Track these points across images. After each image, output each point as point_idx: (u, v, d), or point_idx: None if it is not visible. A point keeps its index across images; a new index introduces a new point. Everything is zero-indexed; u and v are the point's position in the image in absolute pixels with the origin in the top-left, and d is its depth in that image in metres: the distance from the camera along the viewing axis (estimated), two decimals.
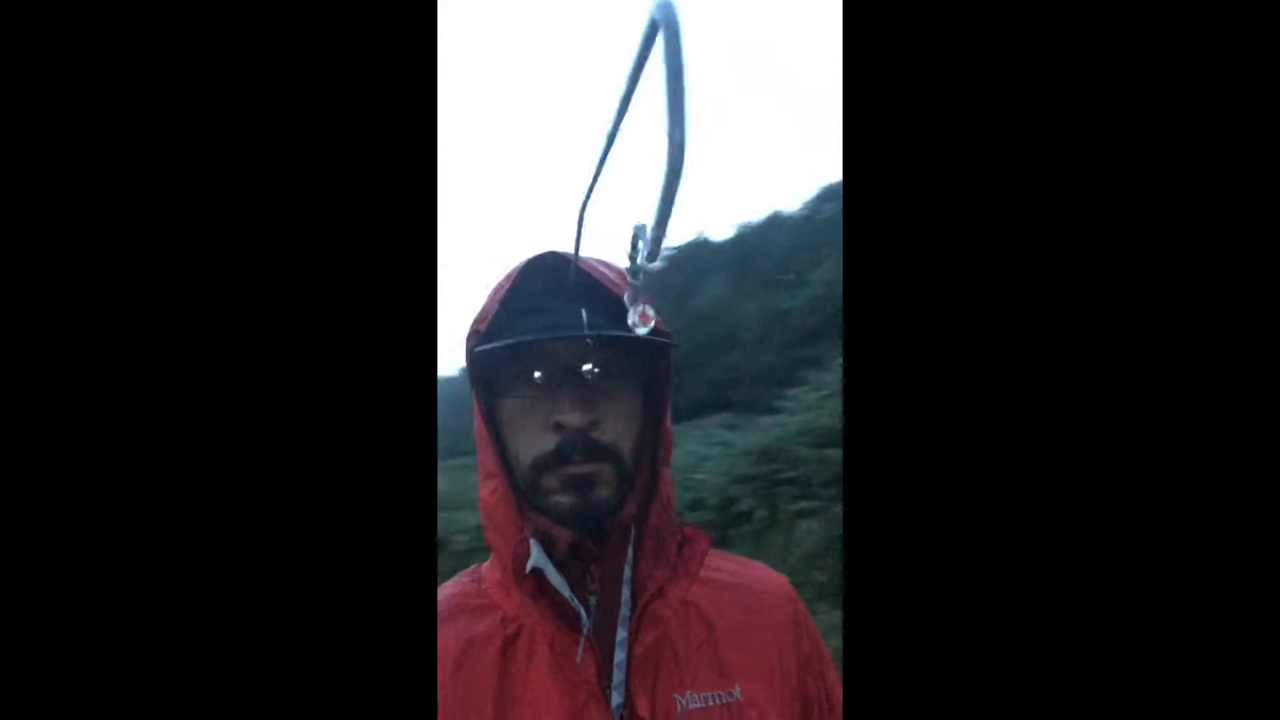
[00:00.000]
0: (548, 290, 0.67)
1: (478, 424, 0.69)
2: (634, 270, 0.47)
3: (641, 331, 0.45)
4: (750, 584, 0.74)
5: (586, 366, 0.65)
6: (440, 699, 0.63)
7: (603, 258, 0.70)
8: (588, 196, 0.53)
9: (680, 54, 0.28)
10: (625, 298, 0.48)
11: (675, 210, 0.34)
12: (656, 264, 0.41)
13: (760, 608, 0.71)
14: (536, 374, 0.66)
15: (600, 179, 0.49)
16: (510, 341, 0.63)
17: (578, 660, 0.63)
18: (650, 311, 0.45)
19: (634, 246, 0.46)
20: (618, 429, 0.66)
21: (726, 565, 0.75)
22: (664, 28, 0.29)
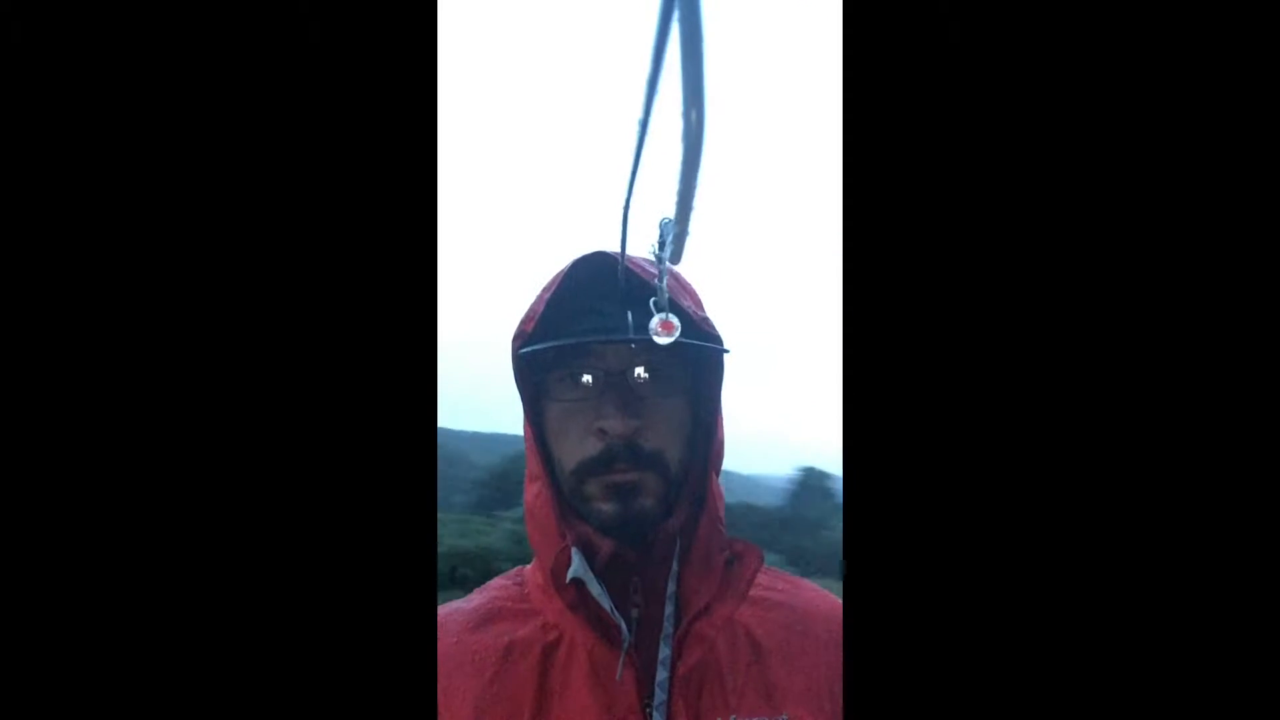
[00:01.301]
0: (595, 292, 0.64)
1: (525, 426, 0.68)
2: (660, 271, 0.44)
3: (663, 343, 0.42)
4: (801, 604, 0.70)
5: (639, 371, 0.63)
6: (478, 702, 0.62)
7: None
8: (629, 192, 0.50)
9: (698, 27, 0.25)
10: (651, 303, 0.46)
11: (697, 200, 0.31)
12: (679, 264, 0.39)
13: (811, 630, 0.67)
14: (584, 378, 0.64)
15: (639, 172, 0.46)
16: (553, 344, 0.61)
17: (617, 676, 0.61)
18: (674, 321, 0.43)
19: (660, 244, 0.43)
20: (664, 437, 0.63)
21: (777, 584, 0.71)
22: (679, 2, 0.26)
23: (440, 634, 0.66)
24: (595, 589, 0.61)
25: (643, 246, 0.50)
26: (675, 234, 0.34)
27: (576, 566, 0.62)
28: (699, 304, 0.68)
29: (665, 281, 0.44)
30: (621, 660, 0.61)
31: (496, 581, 0.73)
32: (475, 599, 0.71)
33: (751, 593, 0.68)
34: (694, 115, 0.26)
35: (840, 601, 0.72)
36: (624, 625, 0.61)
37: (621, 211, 0.55)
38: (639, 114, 0.41)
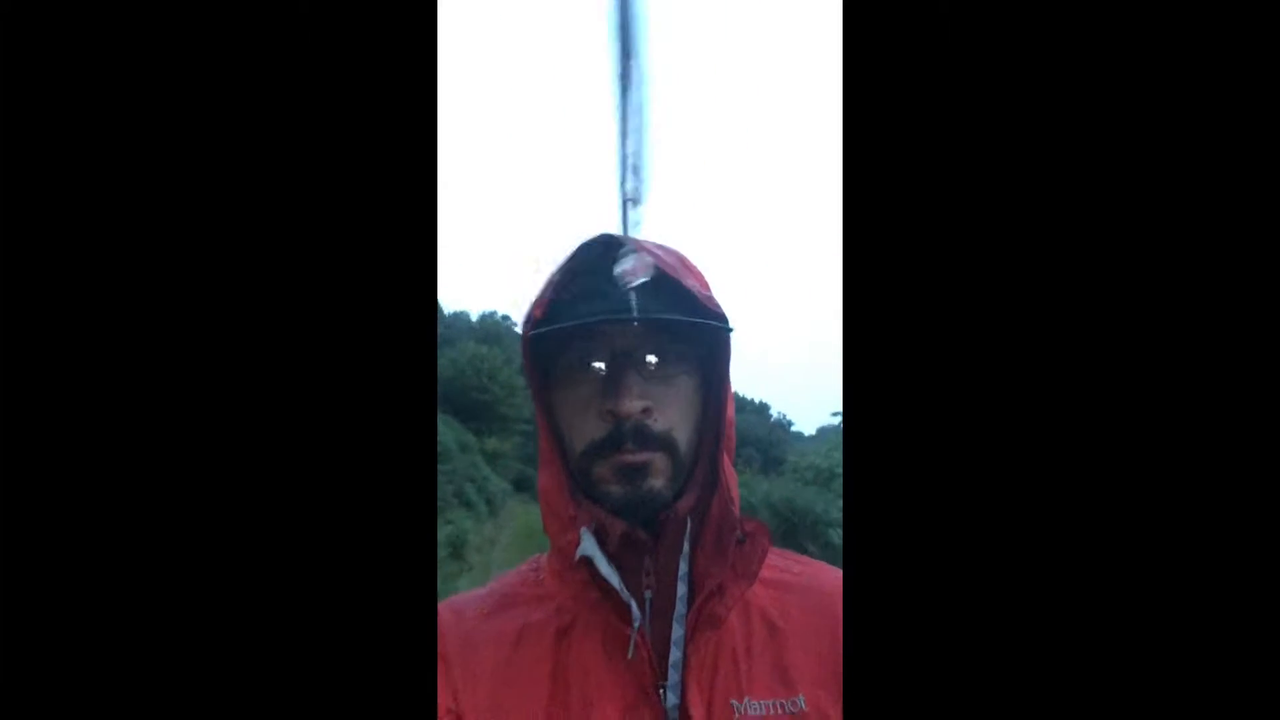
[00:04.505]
0: (601, 274, 0.65)
1: (536, 412, 0.69)
2: (625, 213, 0.44)
3: (637, 284, 0.42)
4: (818, 585, 0.69)
5: (651, 359, 0.63)
6: (493, 686, 0.63)
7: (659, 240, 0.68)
8: (622, 174, 0.50)
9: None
10: (620, 252, 0.45)
11: (650, 135, 0.31)
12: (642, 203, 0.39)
13: (828, 610, 0.67)
14: (591, 361, 0.64)
15: (628, 153, 0.47)
16: (555, 327, 0.62)
17: (629, 655, 0.61)
18: (644, 261, 0.42)
19: (623, 185, 0.44)
20: (672, 417, 0.63)
21: (794, 566, 0.71)
22: None
23: (456, 620, 0.67)
24: (604, 568, 0.62)
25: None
26: (633, 165, 0.34)
27: (585, 545, 0.62)
28: (705, 284, 0.67)
29: (632, 222, 0.44)
30: (633, 639, 0.61)
31: (514, 569, 0.74)
32: (491, 585, 0.72)
33: (769, 575, 0.67)
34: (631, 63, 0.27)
35: None
36: (633, 604, 0.62)
37: (619, 193, 0.55)
38: (614, 99, 0.41)
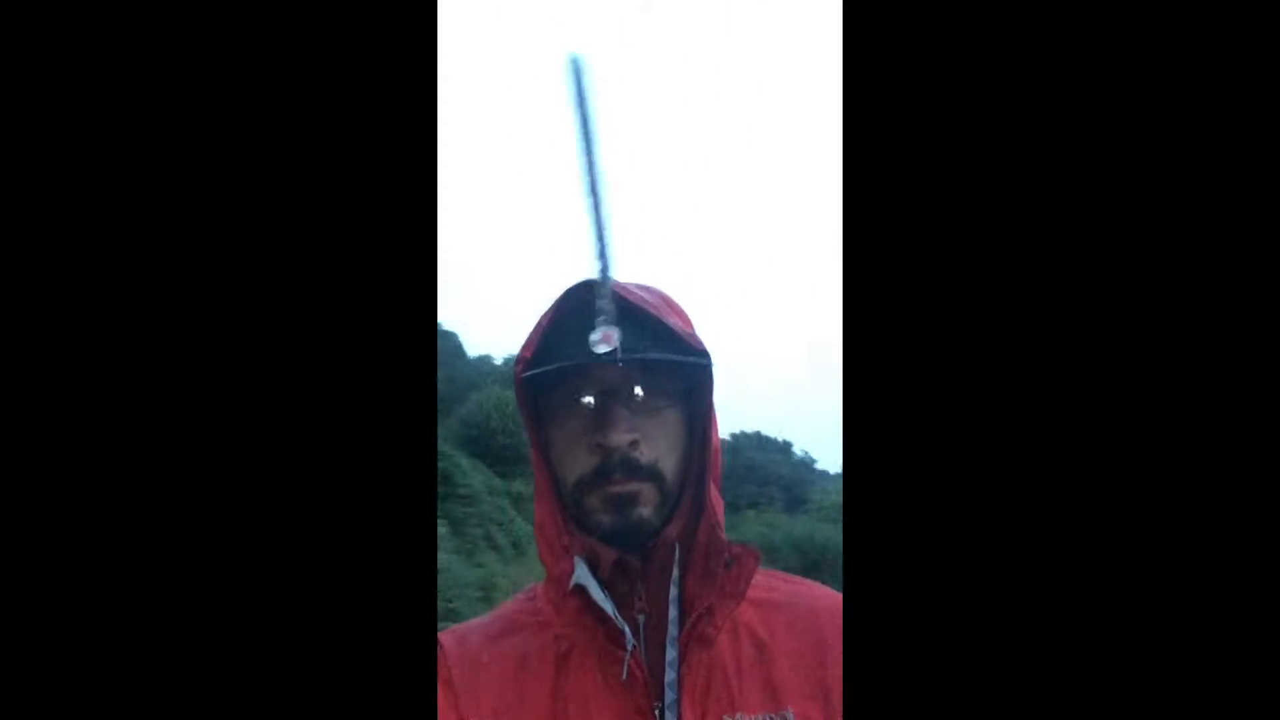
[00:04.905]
0: (588, 316, 0.69)
1: (531, 448, 0.73)
2: (600, 288, 0.48)
3: (601, 351, 0.47)
4: (804, 602, 0.72)
5: (638, 391, 0.67)
6: (496, 713, 0.66)
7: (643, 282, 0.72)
8: (600, 222, 0.55)
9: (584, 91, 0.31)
10: (597, 319, 0.51)
11: (609, 224, 0.36)
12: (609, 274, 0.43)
13: (814, 626, 0.70)
14: (583, 398, 0.68)
15: (603, 201, 0.51)
16: (543, 369, 0.66)
17: (622, 678, 0.64)
18: (613, 334, 0.48)
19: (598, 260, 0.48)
20: (659, 448, 0.67)
21: (780, 585, 0.74)
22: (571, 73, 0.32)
23: (459, 647, 0.70)
24: (598, 595, 0.65)
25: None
26: (598, 250, 0.39)
27: (579, 574, 0.66)
28: (687, 322, 0.72)
29: (606, 297, 0.49)
30: (626, 662, 0.64)
31: (513, 599, 0.77)
32: (492, 614, 0.75)
33: (755, 595, 0.70)
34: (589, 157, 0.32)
35: (840, 596, 0.74)
36: (627, 629, 0.65)
37: (599, 240, 0.60)
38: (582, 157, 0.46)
